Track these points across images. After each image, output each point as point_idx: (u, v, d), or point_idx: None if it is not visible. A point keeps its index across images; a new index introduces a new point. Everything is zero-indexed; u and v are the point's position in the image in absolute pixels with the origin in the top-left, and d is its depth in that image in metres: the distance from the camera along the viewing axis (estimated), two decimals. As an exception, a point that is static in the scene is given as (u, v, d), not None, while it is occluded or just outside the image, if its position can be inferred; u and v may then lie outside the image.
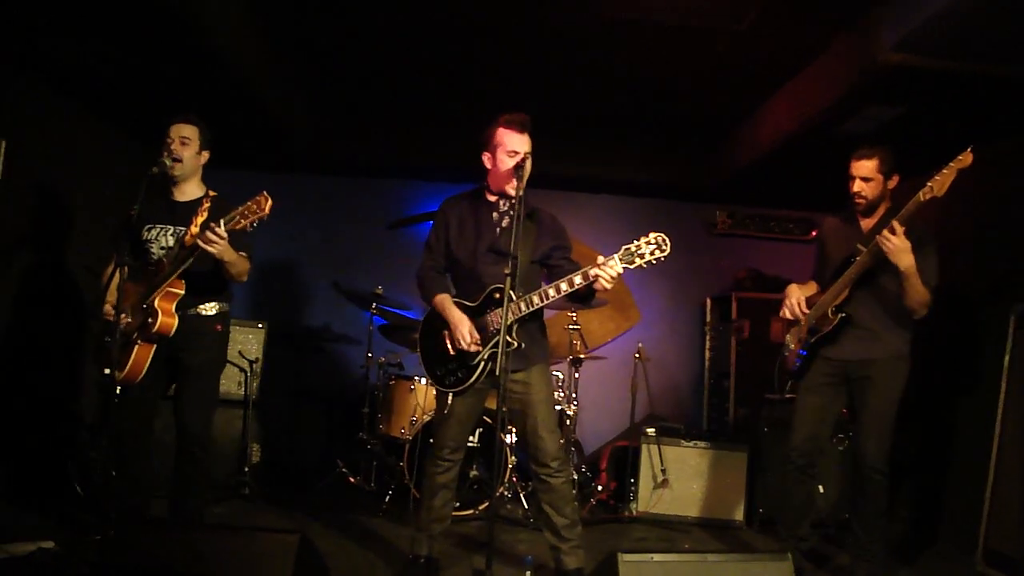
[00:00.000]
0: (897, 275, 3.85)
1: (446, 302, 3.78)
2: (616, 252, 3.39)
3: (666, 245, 3.35)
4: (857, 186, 4.05)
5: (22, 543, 3.84)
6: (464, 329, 3.65)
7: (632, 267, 3.37)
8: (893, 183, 4.05)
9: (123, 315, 3.64)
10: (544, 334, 3.91)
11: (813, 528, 4.62)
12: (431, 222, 3.97)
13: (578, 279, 3.45)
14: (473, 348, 3.65)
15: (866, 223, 4.13)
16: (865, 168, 4.02)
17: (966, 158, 3.53)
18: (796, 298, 4.28)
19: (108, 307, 3.78)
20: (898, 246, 3.71)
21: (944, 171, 3.56)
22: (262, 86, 5.12)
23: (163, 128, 3.88)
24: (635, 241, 3.37)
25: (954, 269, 4.00)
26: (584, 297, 3.69)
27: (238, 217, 3.49)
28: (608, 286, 3.41)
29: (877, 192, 4.03)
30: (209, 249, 3.51)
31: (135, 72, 4.85)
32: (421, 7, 4.38)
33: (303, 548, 2.98)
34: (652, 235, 3.36)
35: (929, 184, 3.60)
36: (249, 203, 3.48)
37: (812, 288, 4.36)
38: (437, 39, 4.80)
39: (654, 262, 3.36)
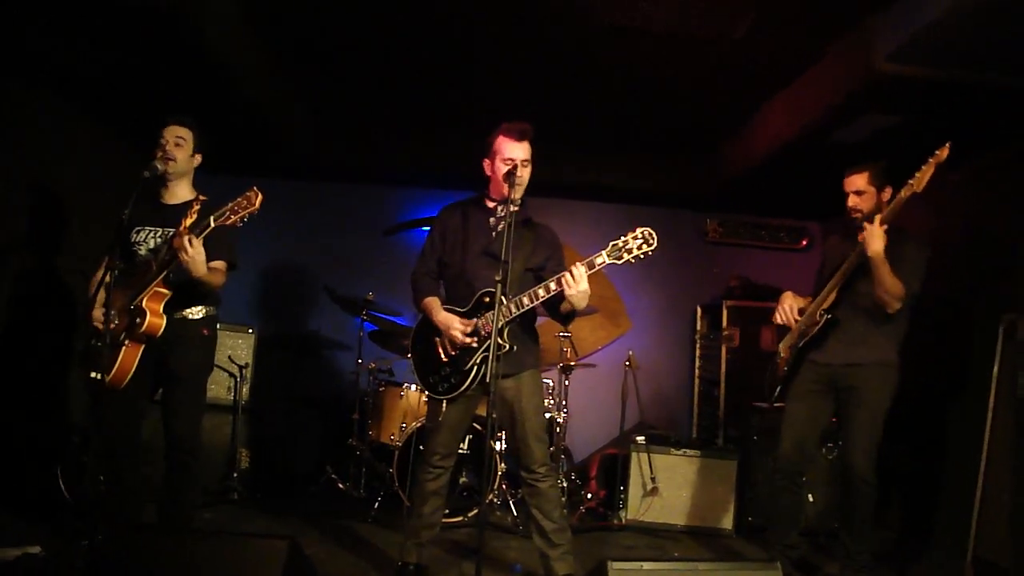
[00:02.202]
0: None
1: (433, 304, 3.80)
2: (604, 249, 3.41)
3: (653, 239, 3.35)
4: (851, 200, 4.13)
5: (8, 548, 3.81)
6: (453, 325, 3.67)
7: (620, 263, 3.38)
8: (886, 195, 4.10)
9: (112, 317, 3.62)
10: (536, 340, 3.92)
11: (802, 537, 4.63)
12: (424, 228, 3.99)
13: (559, 280, 3.46)
14: (466, 341, 3.65)
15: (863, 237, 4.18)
16: (857, 183, 4.11)
17: (943, 153, 3.66)
18: (789, 304, 4.35)
19: (97, 313, 3.76)
20: (872, 232, 3.83)
21: (923, 168, 3.70)
22: (258, 91, 5.11)
23: (158, 129, 3.87)
24: (622, 236, 3.38)
25: (944, 278, 4.03)
26: (566, 316, 3.75)
27: (228, 213, 3.48)
28: (570, 288, 3.41)
29: (871, 204, 4.08)
30: (181, 256, 3.49)
31: (131, 75, 4.83)
32: (418, 13, 4.38)
33: (292, 554, 2.97)
34: (639, 230, 3.36)
35: (910, 182, 3.74)
36: (239, 199, 3.47)
37: (807, 300, 4.41)
38: (433, 45, 4.80)
39: (642, 257, 3.37)
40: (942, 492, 5.04)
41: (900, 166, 3.96)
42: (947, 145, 3.64)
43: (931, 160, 3.68)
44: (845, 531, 4.23)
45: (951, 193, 3.65)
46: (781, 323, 4.37)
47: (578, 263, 3.42)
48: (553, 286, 3.49)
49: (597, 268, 3.42)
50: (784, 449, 4.30)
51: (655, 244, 3.36)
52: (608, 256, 3.39)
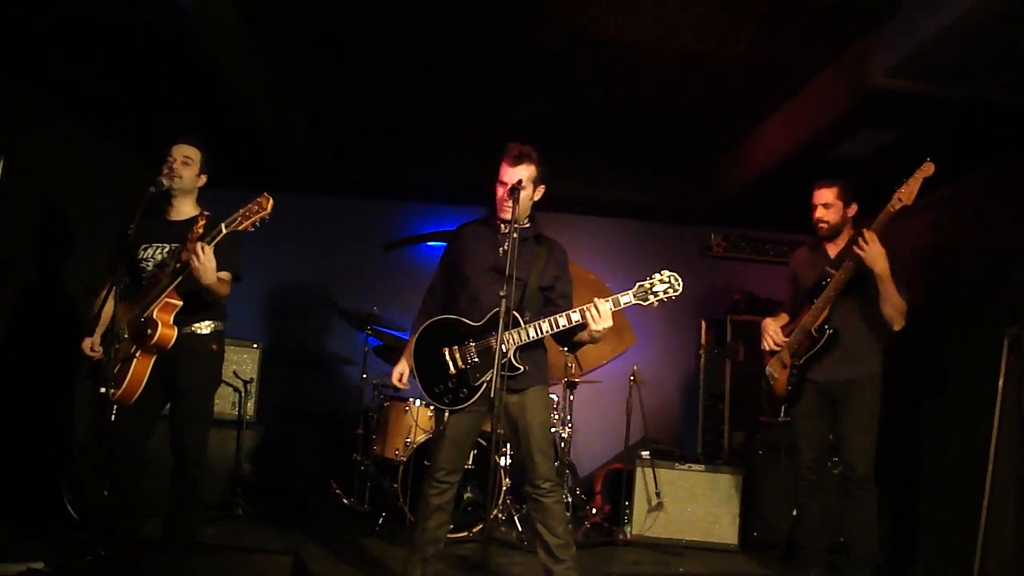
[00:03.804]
0: (870, 294, 4.08)
1: (410, 341, 3.98)
2: (630, 289, 3.49)
3: (678, 285, 3.47)
4: (819, 213, 4.31)
5: (11, 564, 3.80)
6: (401, 371, 3.97)
7: (645, 304, 3.50)
8: (852, 211, 4.30)
9: (120, 332, 3.65)
10: (545, 357, 3.93)
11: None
12: (428, 243, 4.02)
13: (583, 312, 3.53)
14: (400, 386, 3.98)
15: (832, 248, 4.37)
16: (825, 196, 4.30)
17: (928, 168, 3.83)
18: (772, 330, 4.50)
19: (94, 339, 3.79)
20: (873, 252, 3.96)
21: (909, 181, 3.85)
22: (260, 104, 5.14)
23: (166, 147, 3.88)
24: (649, 279, 3.49)
25: (947, 292, 4.03)
26: (576, 345, 3.87)
27: (239, 219, 3.49)
28: (596, 323, 3.49)
29: (837, 218, 4.28)
30: (193, 263, 3.50)
31: (134, 88, 4.87)
32: (417, 29, 4.42)
33: (296, 569, 2.97)
34: (667, 274, 3.48)
35: (897, 196, 3.88)
36: (250, 204, 3.50)
37: (783, 319, 4.57)
38: (433, 60, 4.83)
39: (665, 300, 3.48)
40: (947, 508, 5.01)
41: (901, 181, 3.99)
42: (929, 160, 3.81)
43: (917, 175, 3.83)
44: (850, 539, 4.32)
45: (951, 207, 3.67)
46: (770, 349, 4.50)
47: (604, 299, 3.50)
48: (576, 317, 3.55)
49: (622, 307, 3.52)
50: (805, 461, 4.43)
51: (680, 290, 3.48)
52: (634, 296, 3.50)
